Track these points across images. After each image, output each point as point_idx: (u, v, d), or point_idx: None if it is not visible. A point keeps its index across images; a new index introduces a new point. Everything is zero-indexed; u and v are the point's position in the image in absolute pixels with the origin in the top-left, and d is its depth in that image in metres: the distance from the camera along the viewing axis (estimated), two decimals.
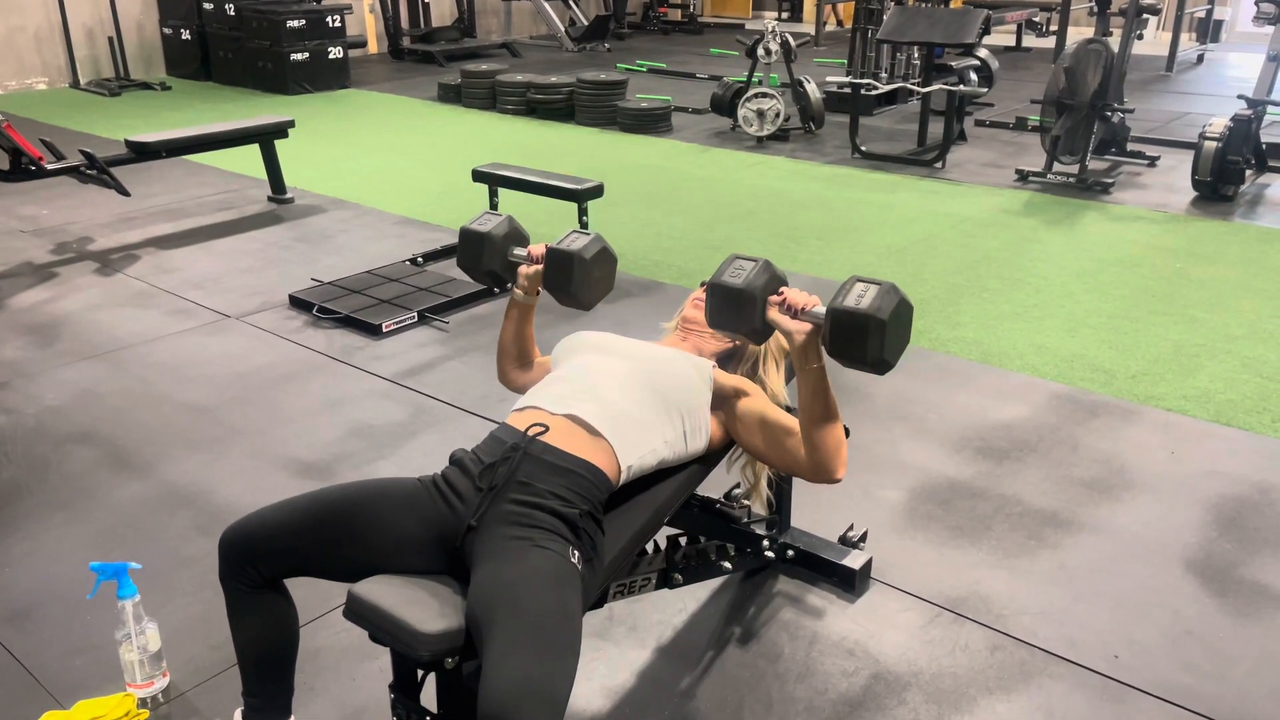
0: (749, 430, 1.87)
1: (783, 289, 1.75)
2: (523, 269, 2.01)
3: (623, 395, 1.76)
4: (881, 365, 1.64)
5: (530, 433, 1.68)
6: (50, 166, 4.61)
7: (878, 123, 7.30)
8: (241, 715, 1.76)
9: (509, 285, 2.06)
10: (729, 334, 1.85)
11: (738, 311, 1.75)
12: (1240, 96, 5.41)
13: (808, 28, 11.64)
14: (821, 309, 1.69)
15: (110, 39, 8.90)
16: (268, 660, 1.72)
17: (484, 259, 2.04)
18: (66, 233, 4.93)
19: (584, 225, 4.25)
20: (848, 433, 1.90)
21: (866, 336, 1.60)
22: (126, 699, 1.95)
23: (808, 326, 1.70)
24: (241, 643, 1.70)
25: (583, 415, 1.71)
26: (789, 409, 2.18)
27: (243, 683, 1.74)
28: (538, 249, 2.00)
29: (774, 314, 1.74)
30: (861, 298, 1.63)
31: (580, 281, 1.93)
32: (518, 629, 1.37)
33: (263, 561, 1.61)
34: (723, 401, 1.87)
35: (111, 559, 2.04)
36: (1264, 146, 5.51)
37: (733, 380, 1.90)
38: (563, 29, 10.91)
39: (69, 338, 3.71)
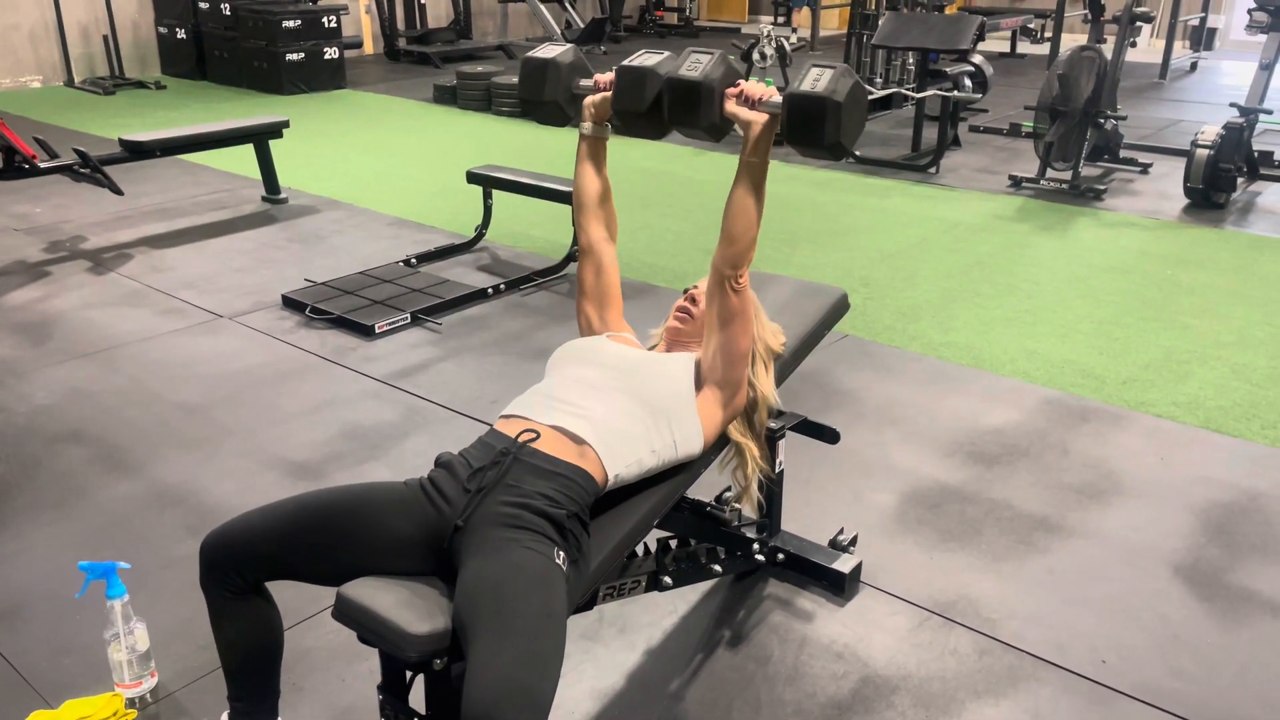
0: (725, 344, 1.84)
1: (739, 81, 1.76)
2: (588, 99, 1.96)
3: (609, 407, 1.76)
4: (838, 149, 1.66)
5: (521, 439, 1.68)
6: (44, 165, 4.60)
7: (872, 127, 7.31)
8: (228, 718, 1.76)
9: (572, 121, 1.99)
10: (687, 131, 1.81)
11: (696, 106, 1.74)
12: (1232, 104, 5.44)
13: (803, 32, 11.66)
14: (778, 98, 1.71)
15: (105, 37, 8.88)
16: (252, 665, 1.72)
17: (546, 88, 1.94)
18: (59, 231, 4.92)
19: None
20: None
21: (824, 118, 1.62)
22: (115, 699, 1.94)
23: (765, 116, 1.73)
24: (225, 648, 1.69)
25: (569, 427, 1.71)
26: (781, 413, 2.19)
27: (228, 687, 1.74)
28: (604, 76, 1.95)
29: (731, 106, 1.76)
30: (818, 81, 1.64)
31: (654, 99, 1.82)
32: (501, 631, 1.37)
33: (246, 567, 1.61)
34: (698, 376, 1.88)
35: (101, 558, 2.03)
36: (1255, 154, 5.53)
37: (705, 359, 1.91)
38: (559, 31, 10.91)
39: (61, 336, 3.70)
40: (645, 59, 1.87)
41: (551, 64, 1.95)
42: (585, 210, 2.04)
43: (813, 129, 1.64)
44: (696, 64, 1.75)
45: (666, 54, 1.90)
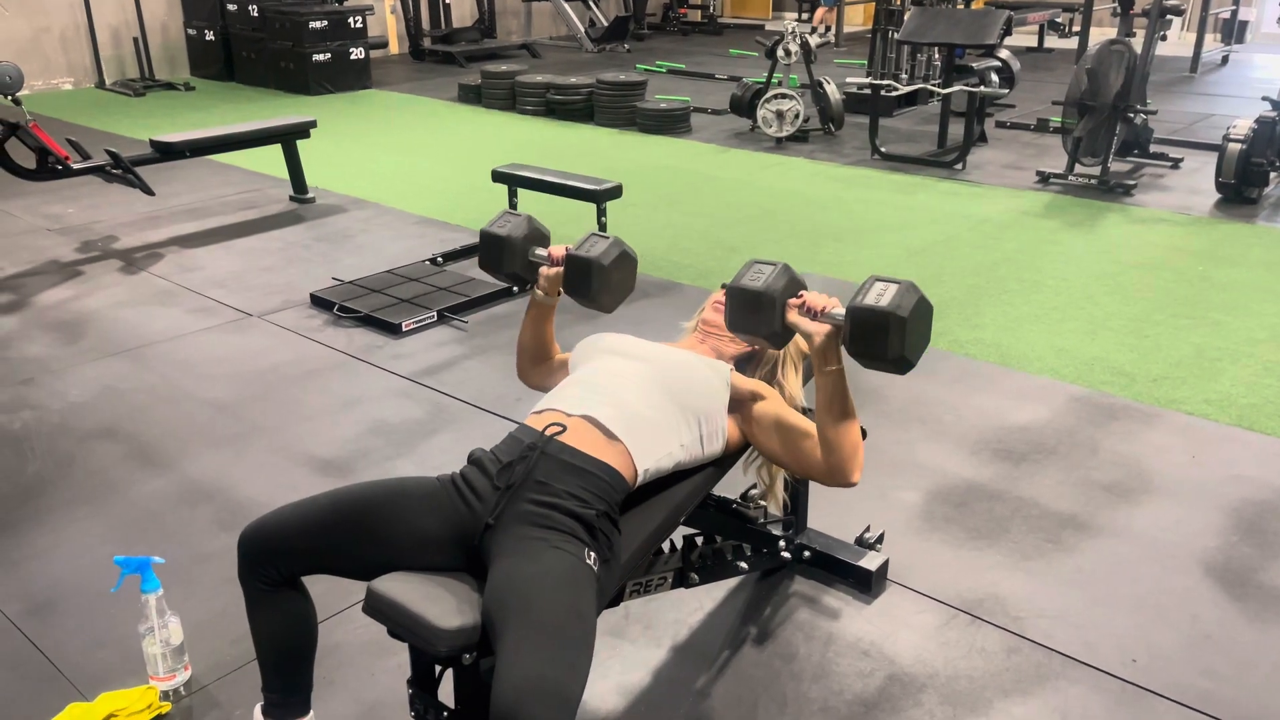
0: (766, 433, 1.87)
1: (802, 292, 1.76)
2: (543, 270, 2.02)
3: (639, 399, 1.77)
4: (903, 364, 1.64)
5: (548, 432, 1.69)
6: (76, 166, 4.67)
7: (897, 124, 7.28)
8: (261, 710, 1.78)
9: (530, 286, 2.07)
10: (748, 338, 1.85)
11: (757, 314, 1.75)
12: (1265, 98, 5.37)
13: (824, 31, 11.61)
14: (841, 310, 1.69)
15: (135, 40, 8.99)
16: (286, 657, 1.74)
17: (504, 261, 2.05)
18: (91, 231, 4.99)
19: (602, 226, 4.26)
20: (864, 434, 1.90)
21: (887, 334, 1.61)
22: (149, 691, 1.97)
23: (827, 328, 1.71)
24: (260, 640, 1.72)
25: (599, 418, 1.72)
26: (806, 410, 2.18)
27: (262, 679, 1.76)
28: (558, 251, 2.00)
29: (793, 316, 1.74)
30: (881, 296, 1.63)
31: (600, 287, 1.94)
32: (530, 628, 1.38)
33: (282, 560, 1.63)
34: (740, 405, 1.88)
35: (134, 554, 2.06)
36: None
37: (750, 384, 1.90)
38: (582, 30, 10.93)
39: (93, 335, 3.76)
40: (592, 247, 1.94)
41: (506, 241, 2.03)
42: (527, 359, 2.10)
43: (876, 343, 1.63)
44: (759, 274, 1.76)
45: (613, 239, 1.96)
